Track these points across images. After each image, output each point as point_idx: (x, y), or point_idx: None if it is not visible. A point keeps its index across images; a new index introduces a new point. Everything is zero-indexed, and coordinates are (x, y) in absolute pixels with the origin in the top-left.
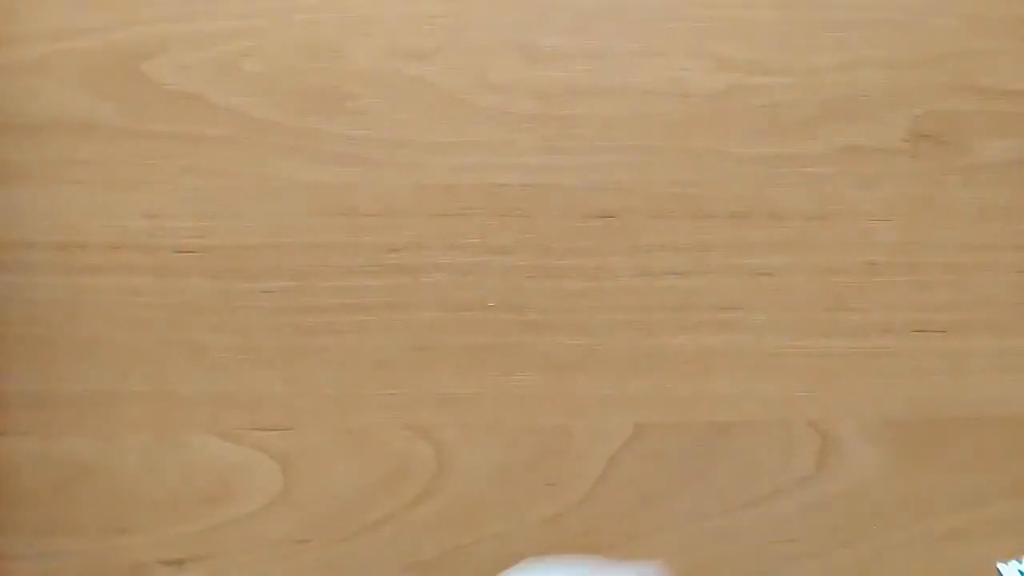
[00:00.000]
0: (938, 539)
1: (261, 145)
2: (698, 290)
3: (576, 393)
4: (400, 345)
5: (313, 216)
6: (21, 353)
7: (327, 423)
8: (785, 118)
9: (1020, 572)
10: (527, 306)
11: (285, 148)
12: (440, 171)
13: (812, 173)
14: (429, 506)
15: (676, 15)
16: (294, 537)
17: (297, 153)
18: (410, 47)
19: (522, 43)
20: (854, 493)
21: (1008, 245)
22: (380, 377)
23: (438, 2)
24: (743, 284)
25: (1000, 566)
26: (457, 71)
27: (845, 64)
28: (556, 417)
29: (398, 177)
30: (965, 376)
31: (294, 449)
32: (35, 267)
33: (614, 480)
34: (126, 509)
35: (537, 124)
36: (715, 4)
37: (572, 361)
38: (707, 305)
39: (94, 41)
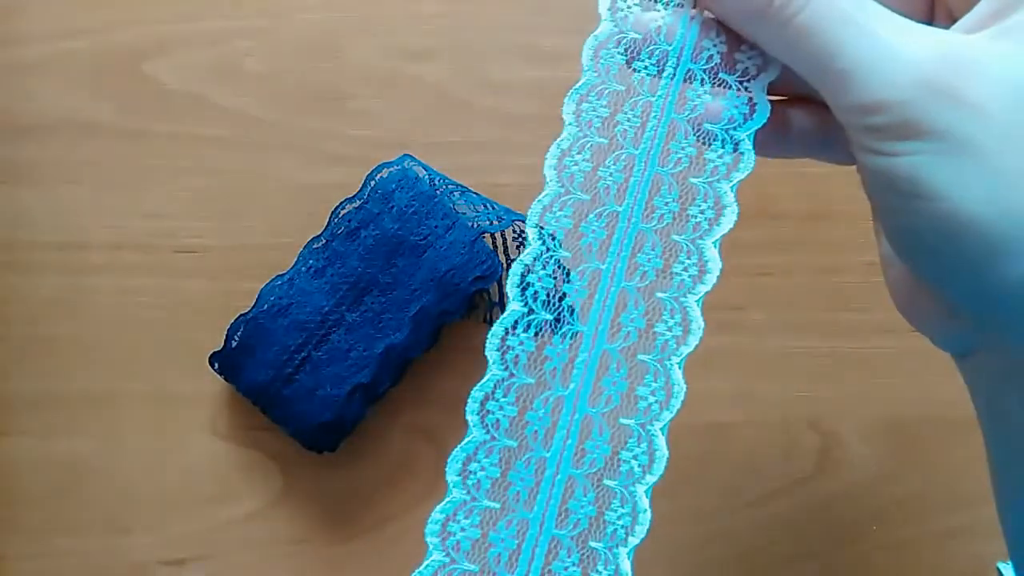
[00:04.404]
0: (938, 539)
1: (261, 145)
2: None
3: None
4: None
5: (313, 216)
6: (21, 353)
7: None
8: None
9: None
10: None
11: (285, 148)
12: (440, 171)
13: (812, 173)
14: (430, 506)
15: None
16: (294, 537)
17: (297, 153)
18: (410, 47)
19: (522, 43)
20: (854, 493)
21: None
22: None
23: (438, 2)
24: (743, 284)
25: (1000, 565)
26: (457, 71)
27: None
28: None
29: None
30: None
31: (294, 449)
32: (35, 267)
33: None
34: (126, 509)
35: (537, 124)
36: None
37: None
38: (707, 305)
39: (94, 41)
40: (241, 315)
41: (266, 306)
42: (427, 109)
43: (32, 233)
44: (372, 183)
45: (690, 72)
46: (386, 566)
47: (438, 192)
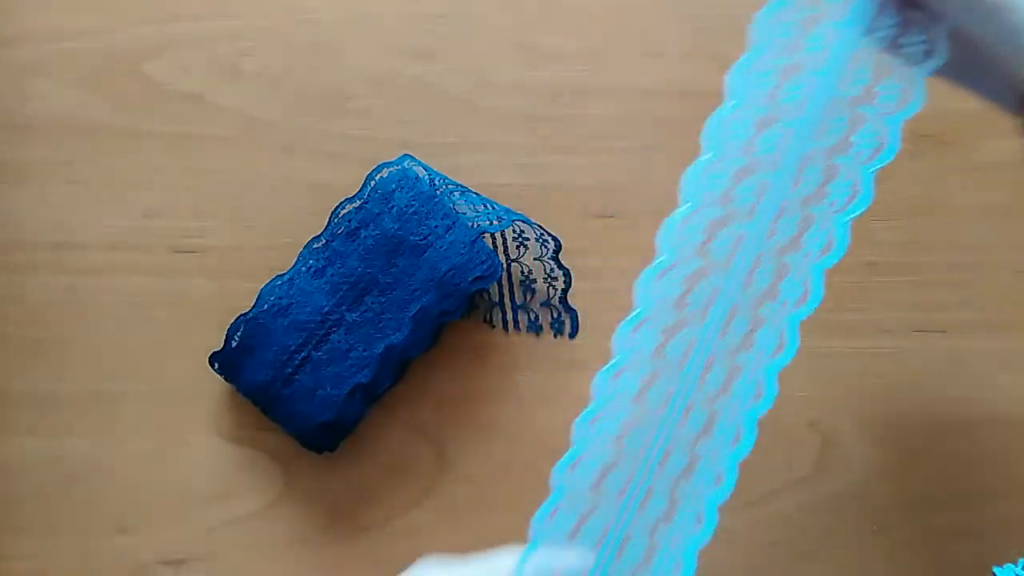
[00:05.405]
0: (938, 539)
1: (261, 145)
2: None
3: (577, 393)
4: None
5: (313, 216)
6: (21, 353)
7: None
8: None
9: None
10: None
11: (285, 148)
12: (440, 171)
13: None
14: (430, 505)
15: (676, 15)
16: (294, 537)
17: (297, 153)
18: (410, 47)
19: (522, 43)
20: (854, 493)
21: (1008, 245)
22: None
23: (438, 2)
24: None
25: (996, 570)
26: (457, 71)
27: None
28: (557, 416)
29: None
30: (965, 376)
31: (294, 449)
32: (35, 267)
33: None
34: (126, 509)
35: (537, 124)
36: (715, 4)
37: (573, 361)
38: None
39: (94, 41)
40: (241, 315)
41: (266, 306)
42: (427, 109)
43: (32, 233)
44: (372, 183)
45: (857, 54)
46: (386, 566)
47: (438, 192)
